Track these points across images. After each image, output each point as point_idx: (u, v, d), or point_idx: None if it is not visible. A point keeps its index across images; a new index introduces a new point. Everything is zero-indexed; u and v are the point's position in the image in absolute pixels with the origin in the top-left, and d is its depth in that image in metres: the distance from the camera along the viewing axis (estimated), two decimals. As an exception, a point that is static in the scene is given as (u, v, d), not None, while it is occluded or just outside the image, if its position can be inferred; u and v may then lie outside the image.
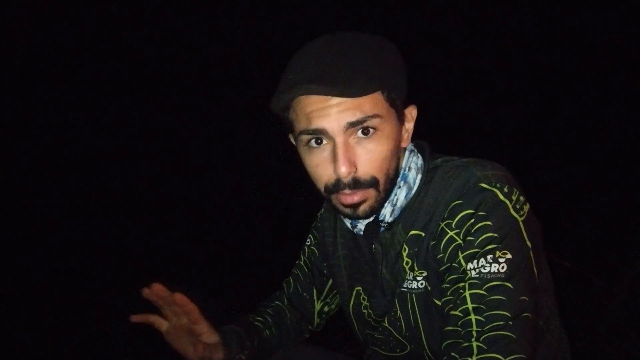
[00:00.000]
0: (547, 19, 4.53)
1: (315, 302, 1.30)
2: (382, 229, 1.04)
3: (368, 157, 0.93)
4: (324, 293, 1.30)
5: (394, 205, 1.02)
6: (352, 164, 0.92)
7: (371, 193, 0.96)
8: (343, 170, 0.91)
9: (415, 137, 1.08)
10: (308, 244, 1.31)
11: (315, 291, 1.30)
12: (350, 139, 0.92)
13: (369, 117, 0.90)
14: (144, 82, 4.28)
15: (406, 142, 1.02)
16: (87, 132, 4.22)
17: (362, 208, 0.97)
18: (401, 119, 0.98)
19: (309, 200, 1.30)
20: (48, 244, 3.58)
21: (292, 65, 0.94)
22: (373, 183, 0.95)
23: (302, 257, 1.32)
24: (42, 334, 2.81)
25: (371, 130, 0.92)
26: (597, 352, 2.12)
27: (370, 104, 0.91)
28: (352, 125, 0.90)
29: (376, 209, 0.99)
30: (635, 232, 2.83)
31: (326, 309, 1.32)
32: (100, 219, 3.82)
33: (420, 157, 1.06)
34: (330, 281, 1.27)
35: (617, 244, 2.85)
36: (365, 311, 1.14)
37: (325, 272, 1.27)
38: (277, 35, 3.96)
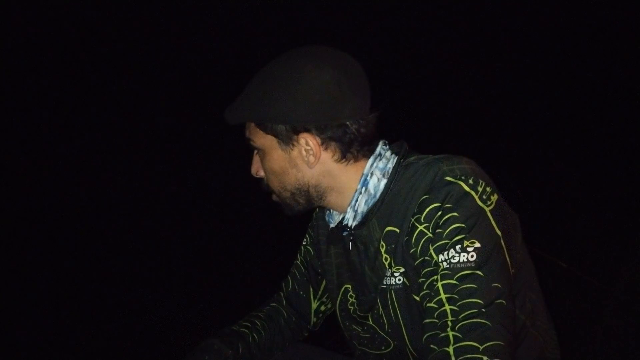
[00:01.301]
0: (546, 16, 4.54)
1: (312, 300, 1.34)
2: (346, 232, 1.13)
3: (263, 169, 1.13)
4: (320, 292, 1.34)
5: (355, 211, 1.09)
6: (255, 169, 1.16)
7: (276, 197, 1.14)
8: (251, 171, 1.17)
9: (389, 136, 1.14)
10: (304, 243, 1.35)
11: (311, 290, 1.34)
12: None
13: (247, 139, 1.12)
14: (142, 82, 4.28)
15: (313, 164, 1.08)
16: (86, 132, 4.22)
17: (285, 210, 1.15)
18: (287, 144, 1.07)
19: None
20: (45, 245, 3.58)
21: None
22: (269, 189, 1.14)
23: (299, 256, 1.36)
24: (42, 334, 2.81)
25: (258, 150, 1.12)
26: (593, 353, 2.13)
27: (248, 129, 1.11)
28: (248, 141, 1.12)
29: (299, 211, 1.13)
30: (632, 233, 2.84)
31: (322, 307, 1.36)
32: (100, 219, 3.82)
33: (391, 160, 1.10)
34: (325, 281, 1.30)
35: (614, 244, 2.86)
36: (351, 307, 1.18)
37: (319, 270, 1.31)
38: (276, 36, 3.97)
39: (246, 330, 1.28)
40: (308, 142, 1.05)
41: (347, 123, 1.04)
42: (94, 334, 2.78)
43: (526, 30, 4.58)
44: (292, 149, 1.07)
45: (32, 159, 3.99)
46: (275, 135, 1.06)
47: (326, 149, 1.06)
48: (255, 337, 1.27)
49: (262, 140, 1.08)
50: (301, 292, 1.34)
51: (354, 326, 1.19)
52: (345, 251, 1.17)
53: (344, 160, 1.07)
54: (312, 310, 1.34)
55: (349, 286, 1.18)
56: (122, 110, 4.32)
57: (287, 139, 1.06)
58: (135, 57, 4.35)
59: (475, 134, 4.15)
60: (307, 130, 1.04)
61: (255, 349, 1.26)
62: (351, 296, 1.18)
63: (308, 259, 1.33)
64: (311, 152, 1.06)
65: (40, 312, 3.00)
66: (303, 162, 1.08)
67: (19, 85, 4.04)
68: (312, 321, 1.36)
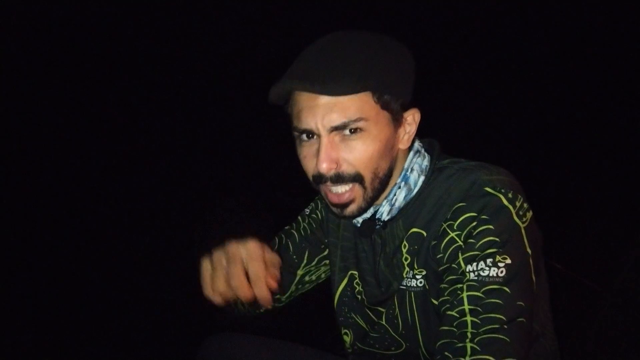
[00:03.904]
0: (547, 18, 4.55)
1: (300, 267, 1.27)
2: (378, 227, 1.08)
3: (352, 155, 0.97)
4: (315, 260, 1.27)
5: (392, 205, 1.05)
6: (334, 161, 0.97)
7: (357, 191, 1.00)
8: (323, 166, 0.96)
9: (421, 136, 1.10)
10: (308, 212, 1.30)
11: (307, 254, 1.26)
12: (335, 137, 0.97)
13: (352, 121, 0.94)
14: (141, 82, 4.27)
15: (405, 145, 1.04)
16: (86, 132, 4.20)
17: (350, 209, 1.02)
18: (397, 122, 1.00)
19: (309, 200, 1.32)
20: (46, 245, 3.56)
21: (296, 59, 0.98)
22: (357, 178, 0.99)
23: (302, 222, 1.29)
24: (42, 334, 2.78)
25: (357, 130, 0.96)
26: (586, 355, 2.14)
27: (356, 106, 0.94)
28: (336, 129, 0.95)
29: (364, 209, 1.03)
30: (627, 235, 2.86)
31: (307, 278, 1.29)
32: (99, 219, 3.80)
33: (427, 158, 1.08)
34: (326, 252, 1.26)
35: (608, 246, 2.88)
36: (359, 296, 1.16)
37: (322, 247, 1.27)
38: (277, 37, 3.97)
39: None
40: (415, 118, 1.01)
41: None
42: (94, 334, 2.76)
43: (525, 29, 4.59)
44: (399, 127, 1.02)
45: (31, 159, 3.97)
46: (391, 111, 0.98)
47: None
48: None
49: (376, 117, 0.96)
50: (294, 257, 1.26)
51: (352, 314, 1.17)
52: (355, 238, 1.15)
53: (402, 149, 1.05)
54: (296, 279, 1.27)
55: (356, 272, 1.16)
56: (120, 110, 4.31)
57: (398, 116, 1.00)
58: (132, 56, 4.33)
59: (471, 134, 4.15)
60: (413, 107, 1.01)
61: None
62: (358, 284, 1.16)
63: (315, 226, 1.27)
64: (409, 131, 1.02)
65: (40, 312, 2.97)
66: (398, 143, 1.03)
67: (19, 86, 4.02)
68: (289, 291, 1.28)
